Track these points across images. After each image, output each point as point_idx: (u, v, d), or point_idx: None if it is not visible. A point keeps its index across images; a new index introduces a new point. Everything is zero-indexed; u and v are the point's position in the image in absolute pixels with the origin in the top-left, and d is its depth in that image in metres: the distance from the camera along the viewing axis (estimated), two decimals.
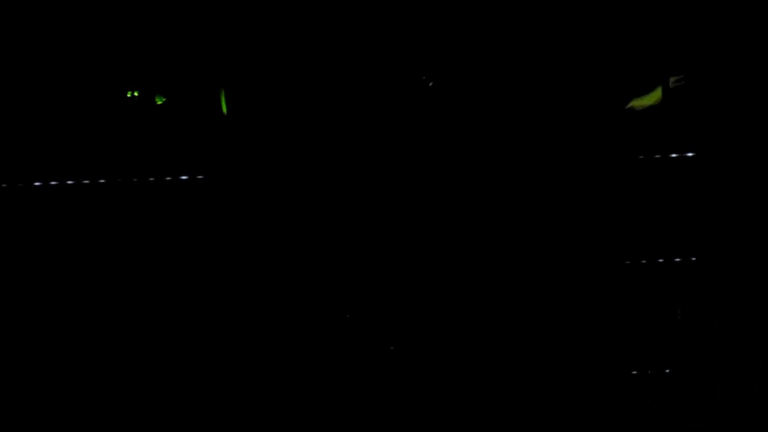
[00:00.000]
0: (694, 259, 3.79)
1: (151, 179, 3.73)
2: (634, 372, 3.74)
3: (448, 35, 3.84)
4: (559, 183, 3.82)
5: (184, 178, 3.75)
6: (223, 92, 3.81)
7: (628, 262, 3.81)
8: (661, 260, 3.80)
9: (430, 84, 3.84)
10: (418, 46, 3.84)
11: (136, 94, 3.76)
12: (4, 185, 3.69)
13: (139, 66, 3.78)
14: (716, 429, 3.66)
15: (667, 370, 3.72)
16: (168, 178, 3.74)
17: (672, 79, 3.83)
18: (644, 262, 3.80)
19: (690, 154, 3.80)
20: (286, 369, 3.76)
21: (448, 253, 3.81)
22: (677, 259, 3.80)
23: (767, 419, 3.66)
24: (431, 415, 3.71)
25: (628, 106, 3.84)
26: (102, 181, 3.71)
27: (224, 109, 3.81)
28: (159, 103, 3.78)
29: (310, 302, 3.78)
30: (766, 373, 3.67)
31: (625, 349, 3.76)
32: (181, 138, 3.79)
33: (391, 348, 3.77)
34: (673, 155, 3.81)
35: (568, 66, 3.82)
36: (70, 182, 3.69)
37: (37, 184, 3.68)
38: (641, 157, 3.81)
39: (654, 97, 3.83)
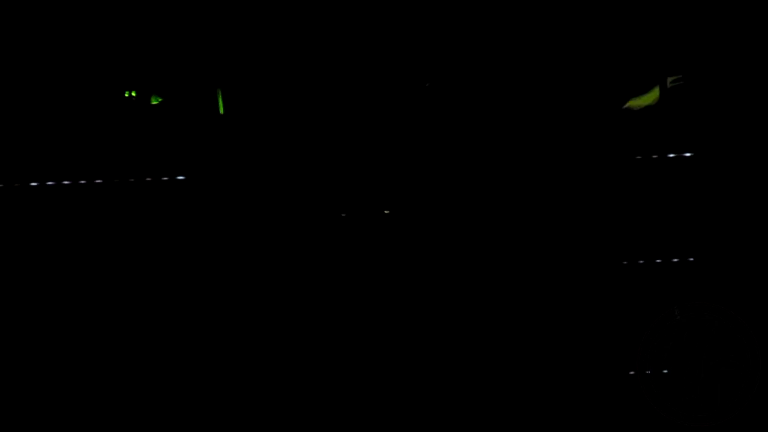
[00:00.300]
0: (691, 259, 3.79)
1: (148, 179, 3.72)
2: (633, 372, 3.73)
3: (446, 35, 3.84)
4: (555, 183, 3.81)
5: (180, 178, 3.73)
6: (220, 92, 3.80)
7: (625, 263, 3.80)
8: (659, 261, 3.79)
9: (427, 84, 3.83)
10: (416, 47, 3.84)
11: (134, 94, 3.75)
12: (0, 185, 3.67)
13: (136, 66, 3.77)
14: (716, 429, 3.66)
15: (667, 371, 3.72)
16: (165, 179, 3.73)
17: (670, 79, 3.84)
18: (642, 262, 3.80)
19: (688, 155, 3.81)
20: (286, 370, 3.74)
21: (446, 254, 3.80)
22: (675, 260, 3.79)
23: (767, 419, 3.65)
24: (431, 415, 3.70)
25: (626, 106, 3.84)
26: (98, 181, 3.69)
27: (221, 109, 3.80)
28: (154, 103, 3.77)
29: (309, 302, 3.77)
30: (766, 373, 3.67)
31: (624, 350, 3.76)
32: (178, 138, 3.78)
33: (390, 348, 3.76)
34: (671, 155, 3.81)
35: (564, 66, 3.82)
36: (66, 182, 3.68)
37: (33, 184, 3.67)
38: (638, 157, 3.81)
39: (651, 96, 3.84)
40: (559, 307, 3.78)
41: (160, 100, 3.78)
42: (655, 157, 3.81)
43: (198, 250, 3.75)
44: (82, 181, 3.69)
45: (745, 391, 3.66)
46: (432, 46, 3.84)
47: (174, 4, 3.77)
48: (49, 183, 3.67)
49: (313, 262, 3.79)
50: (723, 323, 3.71)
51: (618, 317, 3.78)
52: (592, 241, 3.81)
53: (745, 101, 3.80)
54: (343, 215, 3.79)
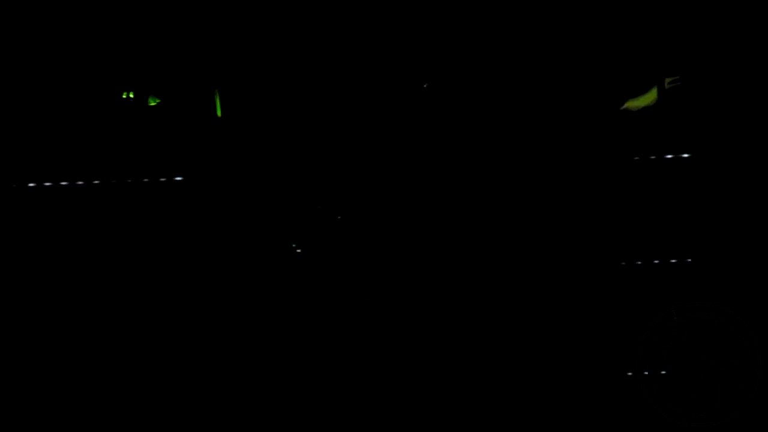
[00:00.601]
0: (689, 260, 3.79)
1: (146, 180, 3.71)
2: (633, 373, 3.72)
3: (444, 36, 3.84)
4: (554, 184, 3.81)
5: (178, 179, 3.72)
6: (217, 94, 3.79)
7: (623, 263, 3.80)
8: (656, 261, 3.79)
9: (425, 86, 3.83)
10: (415, 48, 3.84)
11: (131, 95, 3.74)
12: None
13: (134, 67, 3.76)
14: (716, 429, 3.65)
15: (667, 371, 3.71)
16: (162, 179, 3.71)
17: (667, 80, 3.84)
18: (640, 263, 3.80)
19: (685, 155, 3.81)
20: (286, 370, 3.73)
21: (445, 255, 3.79)
22: (673, 261, 3.79)
23: (767, 419, 3.65)
24: (430, 415, 3.69)
25: (624, 107, 3.84)
26: (96, 182, 3.68)
27: (218, 111, 3.79)
28: (152, 104, 3.76)
29: (307, 302, 3.76)
30: (766, 373, 3.67)
31: (622, 350, 3.75)
32: (176, 139, 3.77)
33: (391, 349, 3.75)
34: (669, 156, 3.81)
35: (563, 67, 3.83)
36: (64, 183, 3.66)
37: (31, 185, 3.65)
38: (636, 158, 3.82)
39: (649, 98, 3.84)
40: (558, 308, 3.78)
41: (157, 101, 3.77)
42: (653, 157, 3.81)
43: (195, 250, 3.74)
44: (80, 182, 3.67)
45: (745, 391, 3.66)
46: (429, 47, 3.84)
47: (172, 7, 3.76)
48: (47, 184, 3.66)
49: (309, 263, 3.78)
50: (722, 323, 3.70)
51: (616, 318, 3.77)
52: (590, 242, 3.81)
53: (743, 102, 3.81)
54: (339, 217, 3.79)
